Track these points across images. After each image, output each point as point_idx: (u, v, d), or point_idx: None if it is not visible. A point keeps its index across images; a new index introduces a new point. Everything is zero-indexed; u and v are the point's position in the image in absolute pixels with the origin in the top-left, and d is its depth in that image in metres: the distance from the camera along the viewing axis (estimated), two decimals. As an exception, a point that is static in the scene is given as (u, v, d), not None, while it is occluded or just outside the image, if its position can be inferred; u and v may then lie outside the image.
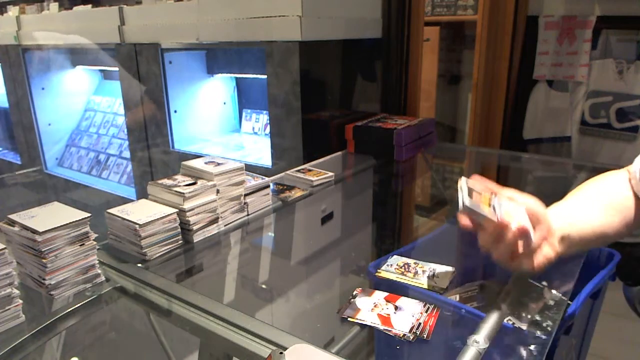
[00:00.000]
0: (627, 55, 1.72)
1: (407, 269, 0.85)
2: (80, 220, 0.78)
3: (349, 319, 0.71)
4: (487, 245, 0.68)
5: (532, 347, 0.66)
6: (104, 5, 2.51)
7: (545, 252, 0.68)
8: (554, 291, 0.77)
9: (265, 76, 1.65)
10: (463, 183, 0.70)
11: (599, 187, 0.81)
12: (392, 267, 0.86)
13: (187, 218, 0.95)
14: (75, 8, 2.56)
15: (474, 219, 0.67)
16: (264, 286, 1.15)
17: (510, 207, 0.68)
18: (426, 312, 0.73)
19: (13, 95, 2.87)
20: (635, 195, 0.78)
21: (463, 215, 0.67)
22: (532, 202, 0.70)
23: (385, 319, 0.71)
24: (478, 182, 0.71)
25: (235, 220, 1.07)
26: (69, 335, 0.90)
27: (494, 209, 0.67)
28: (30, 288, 0.78)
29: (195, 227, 0.96)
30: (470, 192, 0.68)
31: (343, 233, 1.32)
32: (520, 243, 0.66)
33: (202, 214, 0.98)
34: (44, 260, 0.74)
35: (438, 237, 1.05)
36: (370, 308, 0.74)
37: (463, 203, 0.66)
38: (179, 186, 0.97)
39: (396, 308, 0.74)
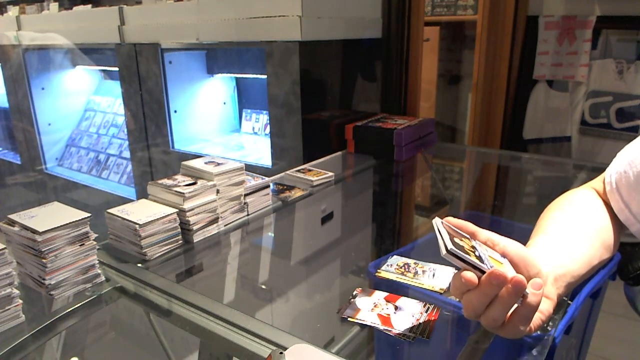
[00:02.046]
0: (627, 55, 1.72)
1: (407, 269, 0.85)
2: (80, 220, 0.78)
3: (349, 319, 0.71)
4: (479, 306, 0.55)
5: (532, 347, 0.66)
6: (104, 5, 2.51)
7: (542, 308, 0.57)
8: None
9: (265, 76, 1.65)
10: (439, 223, 0.60)
11: (575, 213, 0.73)
12: (392, 267, 0.86)
13: (187, 218, 0.95)
14: (75, 8, 2.56)
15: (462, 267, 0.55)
16: (264, 286, 1.15)
17: (495, 256, 0.58)
18: (426, 312, 0.73)
19: (13, 95, 2.87)
20: (611, 211, 0.73)
21: (468, 272, 0.54)
22: (515, 246, 0.59)
23: (385, 319, 0.71)
24: (453, 224, 0.61)
25: (235, 220, 1.07)
26: (69, 335, 0.90)
27: (479, 256, 0.56)
28: (30, 288, 0.78)
29: (195, 227, 0.96)
30: (450, 234, 0.58)
31: (343, 233, 1.32)
32: (516, 302, 0.54)
33: (202, 214, 0.98)
34: (44, 260, 0.74)
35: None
36: (370, 308, 0.74)
37: (445, 247, 0.54)
38: (179, 186, 0.97)
39: (396, 308, 0.74)
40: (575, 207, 0.75)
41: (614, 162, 0.76)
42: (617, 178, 0.73)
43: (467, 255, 0.54)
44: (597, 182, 0.80)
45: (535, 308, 0.55)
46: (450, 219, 0.62)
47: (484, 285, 0.54)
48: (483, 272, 0.55)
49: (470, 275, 0.54)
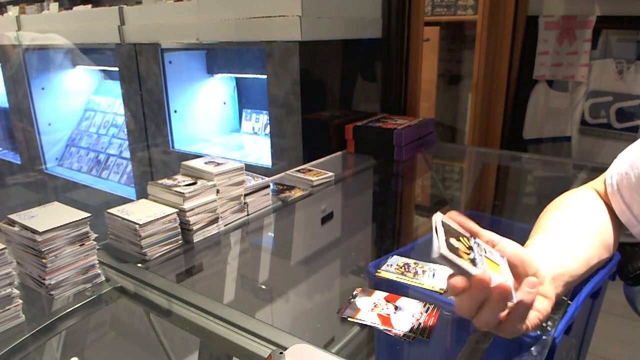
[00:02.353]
0: (627, 55, 1.72)
1: (407, 269, 0.85)
2: (80, 220, 0.78)
3: (349, 319, 0.71)
4: (469, 309, 0.55)
5: (532, 347, 0.66)
6: (104, 5, 2.51)
7: (540, 307, 0.57)
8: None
9: (265, 76, 1.65)
10: (438, 220, 0.58)
11: (574, 213, 0.73)
12: (392, 267, 0.86)
13: (187, 218, 0.95)
14: (75, 8, 2.56)
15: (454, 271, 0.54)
16: (264, 286, 1.15)
17: (493, 256, 0.57)
18: (426, 312, 0.73)
19: (13, 95, 2.87)
20: (611, 211, 0.73)
21: (457, 277, 0.54)
22: (513, 246, 0.59)
23: (385, 319, 0.71)
24: (455, 221, 0.60)
25: (235, 220, 1.07)
26: (69, 335, 0.90)
27: (473, 258, 0.55)
28: (30, 288, 0.78)
29: (195, 227, 0.96)
30: (447, 233, 0.57)
31: (343, 233, 1.32)
32: (504, 304, 0.54)
33: (202, 214, 0.98)
34: (44, 260, 0.74)
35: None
36: (370, 308, 0.74)
37: (438, 249, 0.53)
38: (179, 186, 0.97)
39: (396, 308, 0.74)
40: (574, 207, 0.75)
41: (614, 163, 0.76)
42: (619, 179, 0.73)
43: (457, 259, 0.53)
44: (597, 183, 0.80)
45: (529, 306, 0.56)
46: (454, 214, 0.61)
47: (472, 290, 0.54)
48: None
49: (455, 280, 0.54)
